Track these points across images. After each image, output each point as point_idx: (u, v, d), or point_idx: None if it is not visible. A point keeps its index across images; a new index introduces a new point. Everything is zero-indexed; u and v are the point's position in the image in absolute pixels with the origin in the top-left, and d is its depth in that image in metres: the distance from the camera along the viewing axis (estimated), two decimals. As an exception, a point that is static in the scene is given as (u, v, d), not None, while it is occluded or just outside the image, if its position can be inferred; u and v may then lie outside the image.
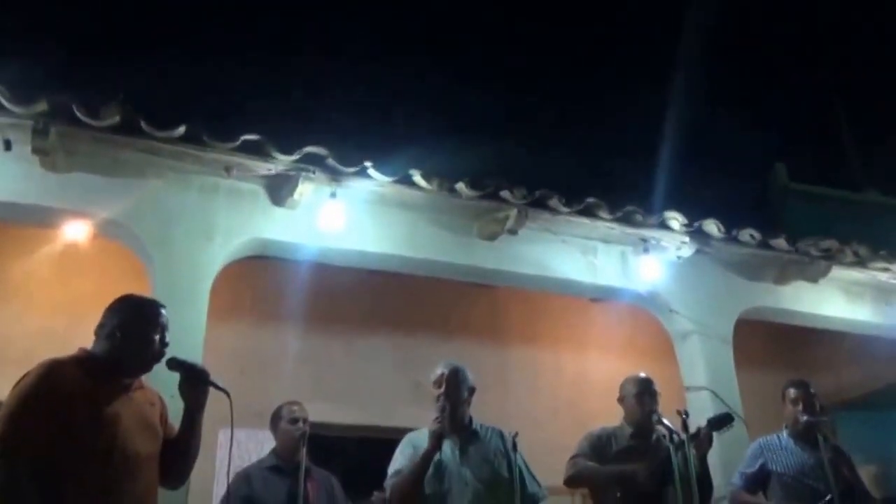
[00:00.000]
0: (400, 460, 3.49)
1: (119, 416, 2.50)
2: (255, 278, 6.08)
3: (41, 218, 4.51)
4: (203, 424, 2.76)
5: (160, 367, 2.69)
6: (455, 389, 3.51)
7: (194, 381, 2.66)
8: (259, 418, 4.24)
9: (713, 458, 3.85)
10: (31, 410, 2.37)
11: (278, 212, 4.70)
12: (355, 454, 6.77)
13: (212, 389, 2.71)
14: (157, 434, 2.66)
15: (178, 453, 2.69)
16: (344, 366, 6.38)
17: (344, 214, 4.64)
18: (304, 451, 3.64)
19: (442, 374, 3.55)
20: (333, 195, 4.58)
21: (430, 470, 3.36)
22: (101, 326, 2.67)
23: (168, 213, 4.46)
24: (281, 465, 3.87)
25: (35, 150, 4.08)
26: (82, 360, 2.59)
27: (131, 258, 4.72)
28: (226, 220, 4.58)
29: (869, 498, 3.99)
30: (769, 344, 7.86)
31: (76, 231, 4.73)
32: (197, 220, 4.51)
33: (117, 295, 5.41)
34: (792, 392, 4.11)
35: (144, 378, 2.76)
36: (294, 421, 3.90)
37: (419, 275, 5.43)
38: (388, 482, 3.46)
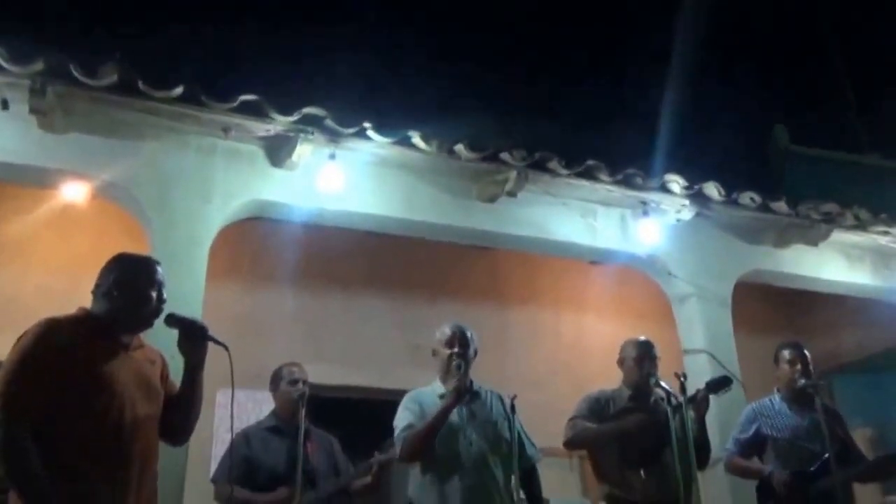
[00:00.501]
0: (408, 416, 3.50)
1: (117, 375, 2.51)
2: (254, 240, 6.07)
3: (39, 178, 4.49)
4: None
5: (160, 328, 2.69)
6: (468, 348, 3.54)
7: (193, 337, 2.66)
8: (257, 379, 4.26)
9: (711, 421, 3.88)
10: (30, 369, 2.37)
11: (277, 173, 4.68)
12: (354, 415, 6.84)
13: (211, 345, 2.71)
14: (157, 393, 2.66)
15: (180, 410, 2.70)
16: (342, 327, 6.40)
17: (343, 176, 4.62)
18: (303, 412, 3.66)
19: (454, 334, 3.57)
20: (332, 157, 4.56)
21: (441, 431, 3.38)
22: (97, 286, 2.67)
23: (166, 175, 4.44)
24: (281, 426, 3.89)
25: (33, 110, 4.06)
26: (81, 320, 2.59)
27: (130, 219, 4.72)
28: (224, 181, 4.56)
29: (862, 458, 4.02)
30: (768, 307, 7.88)
31: (74, 192, 4.72)
32: (195, 182, 4.49)
33: (115, 253, 5.40)
34: (786, 354, 4.11)
35: (144, 337, 2.76)
36: (293, 382, 3.91)
37: (418, 237, 5.42)
38: (400, 435, 3.46)
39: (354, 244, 6.11)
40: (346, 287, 6.56)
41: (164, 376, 2.76)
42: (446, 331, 3.60)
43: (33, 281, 5.40)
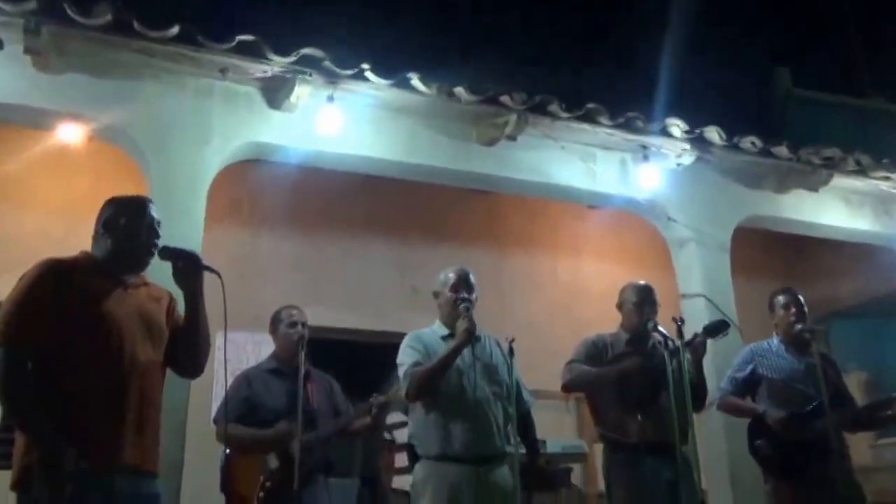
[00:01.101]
0: (414, 354, 3.51)
1: (116, 313, 2.53)
2: (253, 182, 6.05)
3: (36, 119, 4.46)
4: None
5: (162, 267, 2.69)
6: (472, 291, 3.56)
7: (186, 267, 2.65)
8: (256, 321, 4.29)
9: (707, 364, 3.91)
10: (29, 306, 2.41)
11: (275, 115, 4.64)
12: (352, 357, 6.90)
13: (209, 285, 2.71)
14: (160, 332, 2.67)
15: (188, 342, 2.71)
16: (341, 270, 6.43)
17: (341, 118, 4.59)
18: (302, 354, 3.68)
19: (459, 277, 3.58)
20: (331, 99, 4.51)
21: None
22: (95, 230, 2.70)
23: (163, 116, 4.40)
24: (281, 367, 3.92)
25: (27, 50, 4.01)
26: (81, 260, 2.62)
27: (128, 160, 4.69)
28: (222, 123, 4.53)
29: (853, 404, 4.07)
30: (766, 252, 7.89)
31: (71, 133, 4.68)
32: (193, 123, 4.46)
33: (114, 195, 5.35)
34: (781, 299, 4.13)
35: (148, 276, 2.76)
36: (293, 324, 3.93)
37: (417, 180, 5.40)
38: (408, 371, 3.46)
39: (353, 187, 6.10)
40: (345, 230, 6.56)
41: (171, 311, 2.77)
42: (450, 275, 3.61)
43: (31, 222, 5.40)
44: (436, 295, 3.63)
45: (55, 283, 2.46)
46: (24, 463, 2.33)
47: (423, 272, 5.99)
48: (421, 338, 3.59)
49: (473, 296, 3.57)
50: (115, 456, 2.40)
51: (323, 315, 5.28)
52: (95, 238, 2.67)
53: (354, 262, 6.51)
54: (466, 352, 3.48)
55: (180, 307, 2.76)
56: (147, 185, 4.32)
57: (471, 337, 3.37)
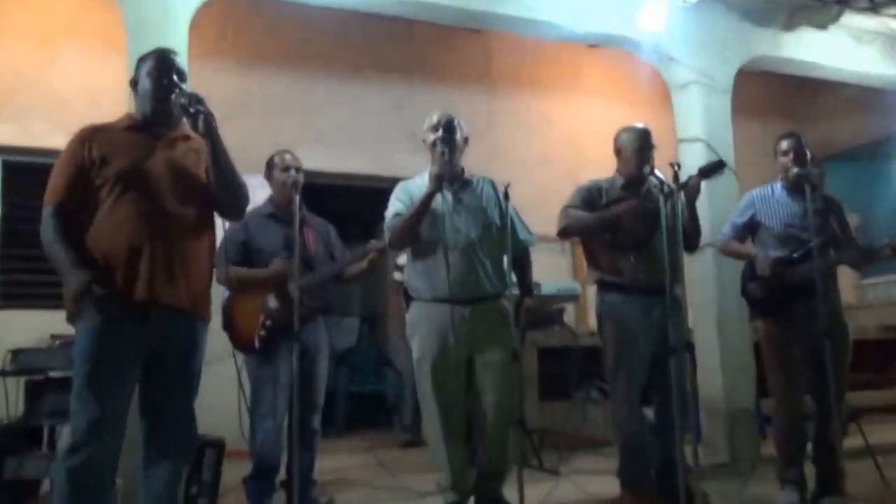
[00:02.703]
0: (397, 205, 3.54)
1: (145, 166, 2.62)
2: (240, 17, 5.85)
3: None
4: None
5: None
6: (451, 134, 3.50)
7: (193, 111, 2.63)
8: (246, 164, 4.22)
9: (702, 209, 3.91)
10: (68, 166, 2.59)
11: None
12: (349, 201, 6.91)
13: None
14: (194, 182, 2.73)
15: (218, 185, 2.75)
16: (334, 112, 6.33)
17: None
18: (297, 199, 3.66)
19: (438, 121, 3.52)
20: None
21: (427, 219, 3.42)
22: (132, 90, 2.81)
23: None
24: (277, 212, 3.91)
25: None
26: (119, 122, 2.74)
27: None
28: (201, -48, 4.27)
29: (855, 245, 4.09)
30: (768, 94, 7.78)
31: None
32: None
33: (91, 30, 5.22)
34: (784, 144, 4.09)
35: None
36: (285, 169, 3.88)
37: (410, 17, 5.20)
38: (388, 223, 3.52)
39: (344, 25, 5.89)
40: (337, 70, 6.40)
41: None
42: (433, 118, 3.55)
43: (3, 58, 5.25)
44: (424, 141, 3.58)
45: (90, 141, 2.60)
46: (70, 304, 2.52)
47: (416, 114, 5.87)
48: (408, 188, 3.59)
49: (457, 137, 3.52)
50: (149, 294, 2.54)
51: (317, 158, 5.23)
52: (134, 97, 2.78)
53: (348, 103, 6.39)
54: (450, 196, 3.47)
55: None
56: (122, 18, 4.12)
57: (440, 183, 3.34)
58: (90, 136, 2.63)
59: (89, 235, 2.56)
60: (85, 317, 2.48)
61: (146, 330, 2.55)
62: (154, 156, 2.65)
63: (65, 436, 2.52)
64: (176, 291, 2.62)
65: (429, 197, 3.36)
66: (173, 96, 2.64)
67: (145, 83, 2.70)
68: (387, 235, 3.52)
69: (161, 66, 2.72)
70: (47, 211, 2.57)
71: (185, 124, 2.72)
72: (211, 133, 2.63)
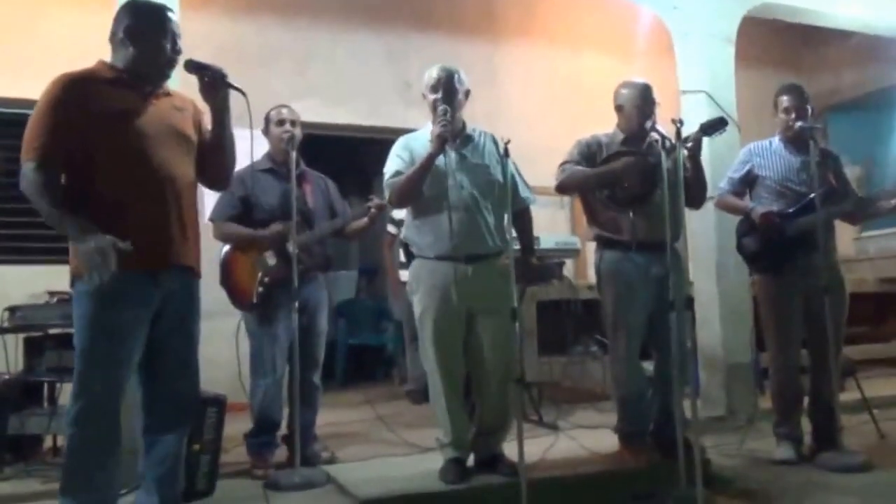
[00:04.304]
0: (397, 162, 3.47)
1: (145, 125, 2.56)
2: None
3: None
4: None
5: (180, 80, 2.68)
6: (453, 93, 3.42)
7: (212, 83, 2.66)
8: (239, 119, 4.17)
9: (704, 162, 3.87)
10: (52, 120, 2.47)
11: None
12: (347, 154, 6.85)
13: None
14: (186, 139, 2.69)
15: (216, 157, 2.77)
16: (329, 62, 6.23)
17: None
18: (294, 153, 3.62)
19: (439, 79, 3.42)
20: None
21: (429, 176, 3.37)
22: (112, 34, 2.65)
23: None
24: (275, 167, 3.87)
25: None
26: (99, 71, 2.62)
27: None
28: None
29: (853, 197, 4.06)
30: (771, 43, 7.66)
31: None
32: None
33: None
34: (784, 99, 4.04)
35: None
36: (281, 122, 3.84)
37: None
38: (388, 182, 3.45)
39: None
40: (332, 19, 6.29)
41: (197, 123, 2.79)
42: (433, 74, 3.46)
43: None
44: (423, 96, 3.51)
45: (75, 96, 2.49)
46: (74, 264, 2.51)
47: (413, 65, 5.79)
48: (409, 144, 3.52)
49: (459, 96, 3.44)
50: (165, 253, 2.57)
51: (313, 110, 5.17)
52: (114, 45, 2.64)
53: (343, 53, 6.30)
54: (452, 154, 3.41)
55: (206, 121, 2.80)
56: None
57: (443, 143, 3.28)
58: (73, 87, 2.51)
59: (96, 196, 2.48)
60: (99, 276, 2.36)
61: (157, 290, 2.57)
62: (149, 113, 2.60)
63: (73, 399, 2.48)
64: (188, 252, 2.66)
65: (431, 158, 3.31)
66: (193, 62, 2.63)
67: (154, 38, 2.61)
68: (387, 193, 3.47)
69: (171, 28, 2.65)
70: (28, 167, 2.46)
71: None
72: (224, 107, 2.67)
